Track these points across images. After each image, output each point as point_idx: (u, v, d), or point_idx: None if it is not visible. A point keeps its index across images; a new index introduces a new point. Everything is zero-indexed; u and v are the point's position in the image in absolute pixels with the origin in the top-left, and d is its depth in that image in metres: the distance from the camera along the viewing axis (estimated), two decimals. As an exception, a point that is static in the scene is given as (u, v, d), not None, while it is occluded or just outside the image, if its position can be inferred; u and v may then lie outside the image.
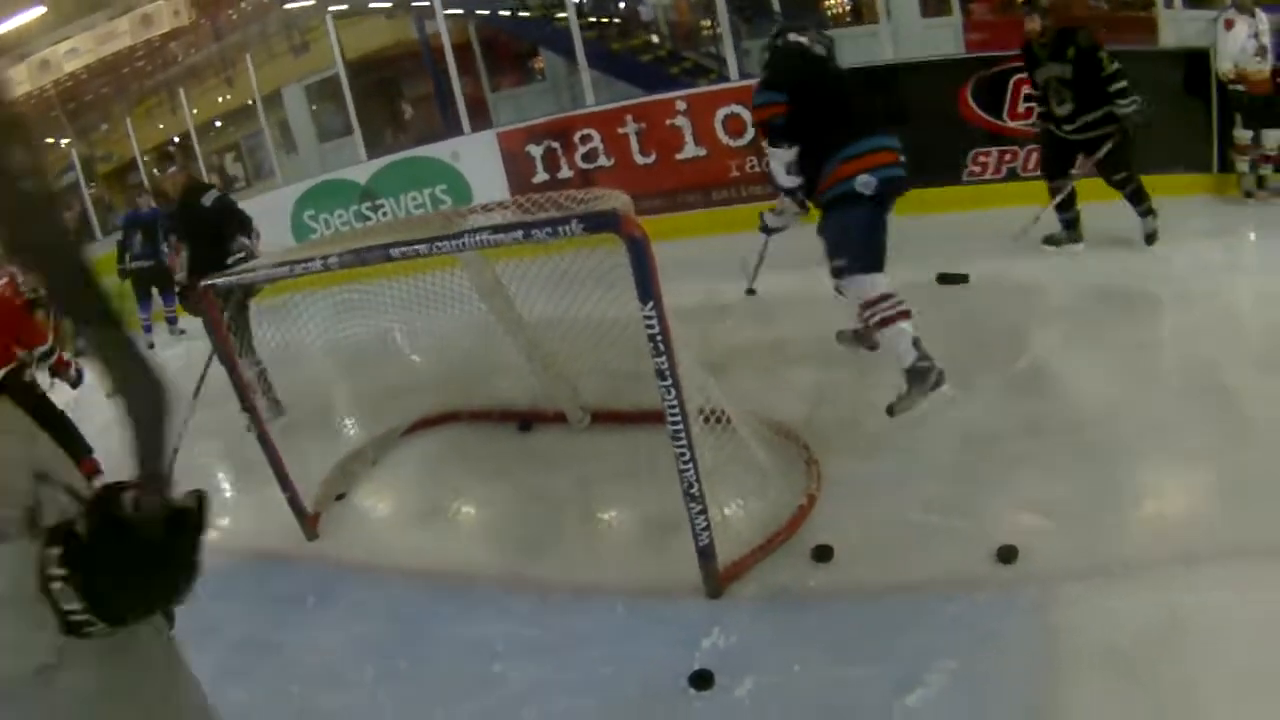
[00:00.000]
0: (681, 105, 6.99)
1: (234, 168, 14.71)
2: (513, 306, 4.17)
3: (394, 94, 12.97)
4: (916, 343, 3.56)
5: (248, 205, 6.78)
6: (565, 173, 7.55)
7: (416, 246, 2.74)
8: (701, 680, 2.59)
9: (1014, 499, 3.00)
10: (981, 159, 6.13)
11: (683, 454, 2.71)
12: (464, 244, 2.64)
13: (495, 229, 2.60)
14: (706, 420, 2.96)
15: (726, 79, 7.47)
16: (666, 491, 3.53)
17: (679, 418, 2.65)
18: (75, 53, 16.83)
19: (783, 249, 4.87)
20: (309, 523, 4.13)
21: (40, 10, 15.17)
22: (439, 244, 2.74)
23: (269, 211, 8.69)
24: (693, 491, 2.78)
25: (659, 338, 2.52)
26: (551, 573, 3.33)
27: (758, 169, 6.73)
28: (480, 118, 10.15)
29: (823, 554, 2.97)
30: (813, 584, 2.89)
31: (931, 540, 2.92)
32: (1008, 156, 6.06)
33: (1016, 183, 5.97)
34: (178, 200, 5.29)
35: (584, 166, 7.44)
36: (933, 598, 2.69)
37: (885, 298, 3.61)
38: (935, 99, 5.94)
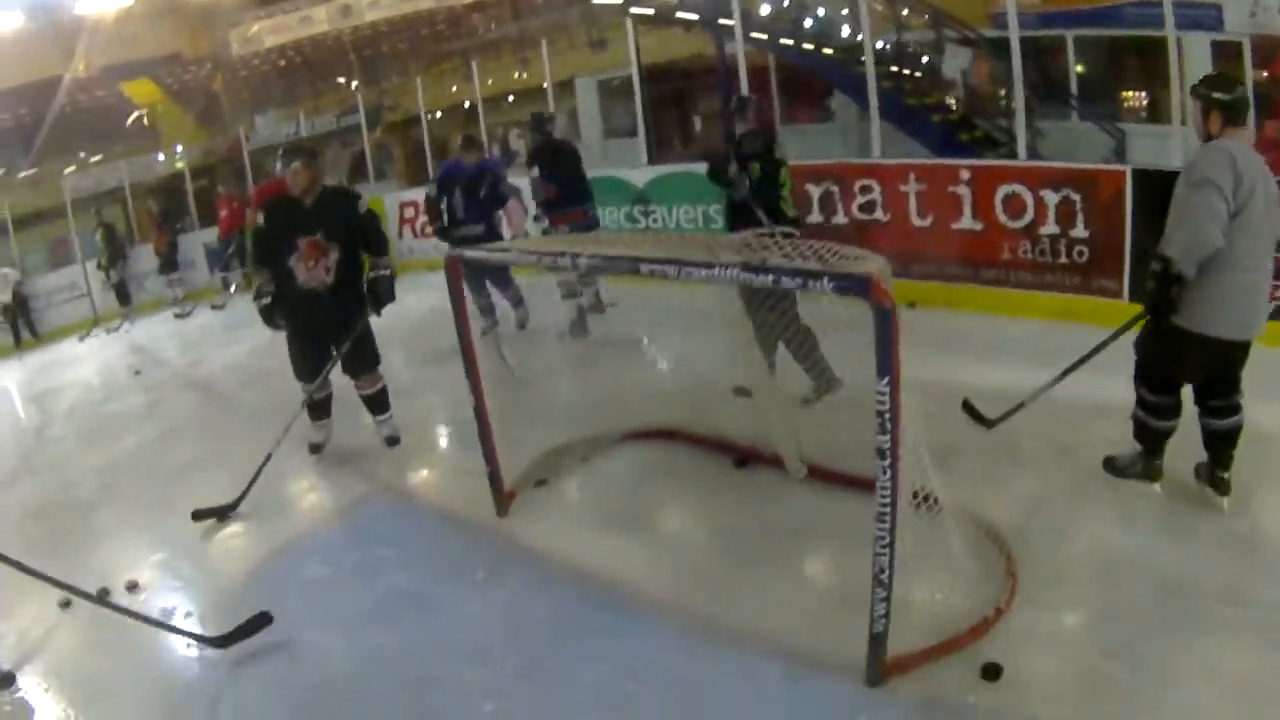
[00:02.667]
0: (965, 174, 6.82)
1: (517, 143, 15.69)
2: (753, 344, 4.25)
3: (686, 106, 13.40)
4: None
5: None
6: (840, 219, 7.55)
7: (666, 267, 2.87)
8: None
9: (1196, 666, 2.83)
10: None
11: (883, 537, 2.72)
12: (713, 276, 2.75)
13: (746, 267, 2.69)
14: (918, 504, 2.92)
15: (1014, 156, 7.32)
16: (859, 565, 3.53)
17: (889, 501, 2.67)
18: (377, 4, 18.45)
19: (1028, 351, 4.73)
20: (503, 499, 4.42)
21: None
22: (688, 269, 2.86)
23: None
24: (882, 576, 2.78)
25: (887, 415, 2.54)
26: (719, 612, 3.42)
27: (1030, 255, 6.54)
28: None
29: (992, 673, 2.90)
30: (973, 701, 2.83)
31: (1105, 690, 2.79)
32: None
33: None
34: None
35: (859, 217, 7.42)
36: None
37: None
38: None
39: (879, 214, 7.37)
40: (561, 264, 3.51)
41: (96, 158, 17.20)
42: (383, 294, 5.15)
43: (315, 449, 5.52)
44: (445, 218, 7.39)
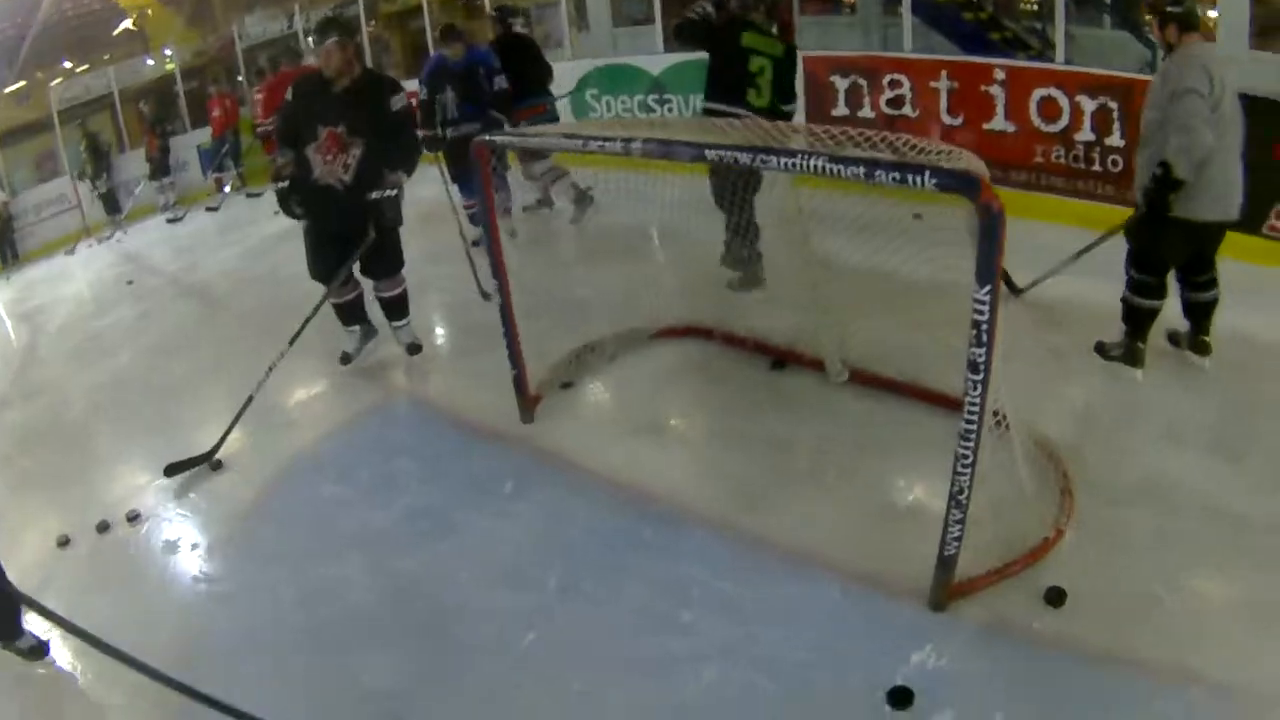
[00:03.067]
0: (1000, 75, 6.62)
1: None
2: (808, 240, 3.99)
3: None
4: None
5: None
6: (867, 112, 7.32)
7: (737, 153, 2.60)
8: (901, 698, 2.51)
9: (1249, 599, 2.75)
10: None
11: (966, 456, 2.52)
12: (795, 164, 2.48)
13: (835, 158, 2.41)
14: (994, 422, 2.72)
15: (1050, 60, 7.10)
16: (914, 476, 3.42)
17: (975, 418, 2.45)
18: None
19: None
20: (527, 404, 4.16)
21: None
22: (764, 156, 2.58)
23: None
24: (961, 497, 2.59)
25: (985, 326, 2.31)
26: (769, 528, 3.22)
27: (1064, 160, 6.37)
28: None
29: (1055, 597, 2.79)
30: (1038, 627, 2.71)
31: (1163, 619, 2.70)
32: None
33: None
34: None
35: (888, 112, 7.18)
36: (1146, 683, 2.49)
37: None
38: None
39: (907, 110, 7.12)
40: (609, 149, 3.21)
41: (83, 67, 16.57)
42: (384, 216, 4.60)
43: (345, 359, 5.04)
44: (438, 119, 6.90)
